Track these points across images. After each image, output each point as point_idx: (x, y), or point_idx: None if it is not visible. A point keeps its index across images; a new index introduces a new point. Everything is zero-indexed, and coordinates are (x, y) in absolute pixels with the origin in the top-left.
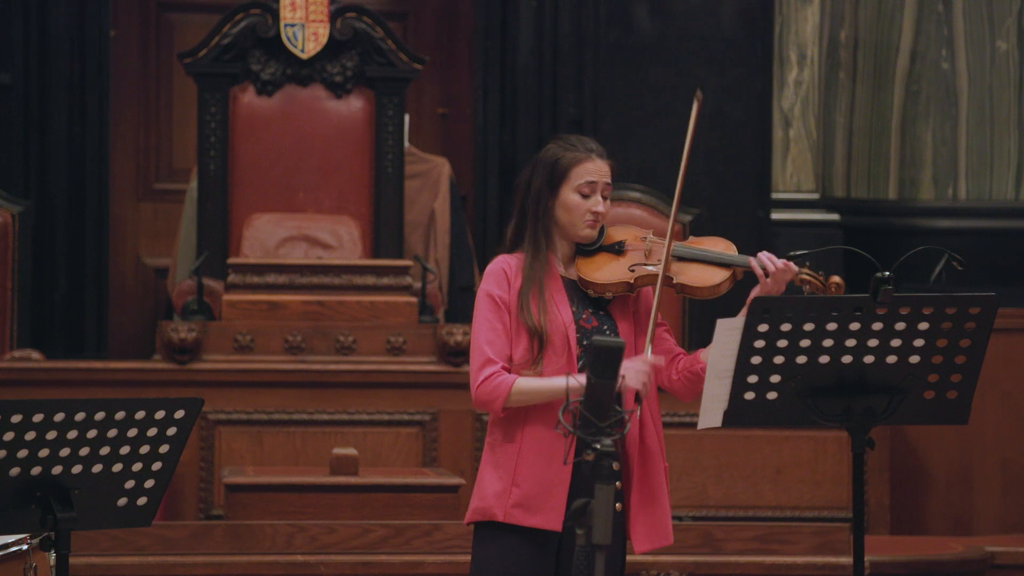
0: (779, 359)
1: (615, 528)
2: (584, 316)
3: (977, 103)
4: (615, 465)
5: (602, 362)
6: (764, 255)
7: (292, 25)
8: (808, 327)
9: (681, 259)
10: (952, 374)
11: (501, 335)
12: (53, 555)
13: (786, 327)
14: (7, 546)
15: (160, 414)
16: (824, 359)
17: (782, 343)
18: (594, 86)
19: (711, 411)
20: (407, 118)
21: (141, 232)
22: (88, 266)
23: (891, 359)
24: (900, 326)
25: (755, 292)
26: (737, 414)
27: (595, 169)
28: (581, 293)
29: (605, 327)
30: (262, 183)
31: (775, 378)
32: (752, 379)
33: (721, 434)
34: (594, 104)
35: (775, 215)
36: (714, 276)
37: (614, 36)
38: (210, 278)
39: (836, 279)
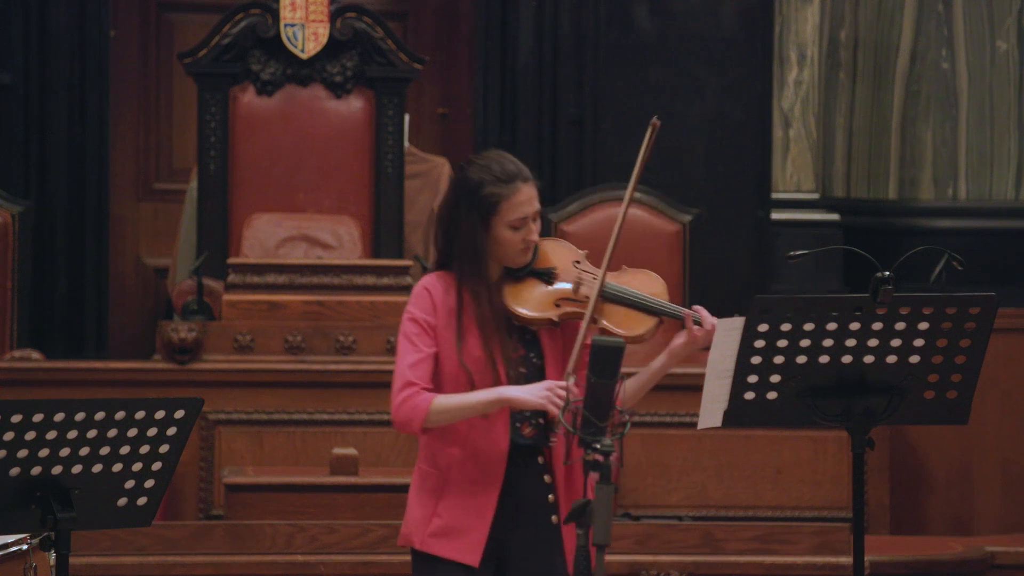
0: (779, 359)
1: (553, 541)
2: (511, 344)
3: (977, 103)
4: (546, 478)
5: (602, 362)
6: (699, 309)
7: (292, 25)
8: (808, 327)
9: (610, 300)
10: (952, 374)
11: (425, 359)
12: (53, 555)
13: (786, 327)
14: (7, 546)
15: (160, 414)
16: (824, 359)
17: (782, 343)
18: (594, 86)
19: (711, 411)
20: (407, 118)
21: (141, 232)
22: (88, 266)
23: (891, 359)
24: (900, 326)
25: (678, 341)
26: (737, 414)
27: (523, 200)
28: (507, 319)
29: (532, 354)
30: (262, 183)
31: (775, 378)
32: (752, 379)
33: (721, 434)
34: (594, 104)
35: (775, 215)
36: (639, 324)
37: (614, 36)
38: (210, 278)
39: None
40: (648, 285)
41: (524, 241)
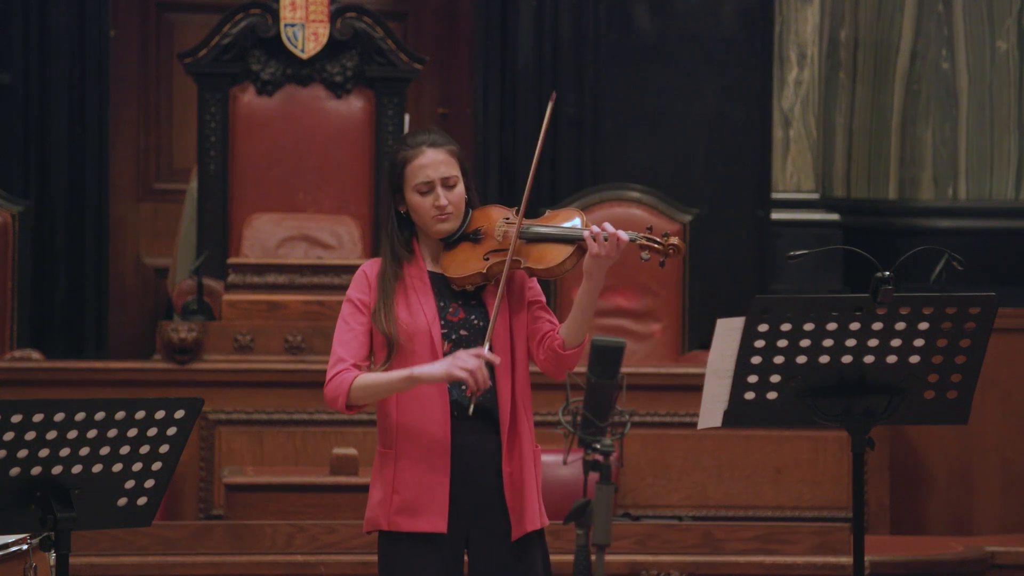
0: (779, 359)
1: (502, 524)
2: (451, 309)
3: (977, 103)
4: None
5: (602, 362)
6: (597, 226)
7: (292, 25)
8: (808, 327)
9: (529, 240)
10: (952, 374)
11: (357, 336)
12: (53, 555)
13: (786, 327)
14: (7, 546)
15: (160, 414)
16: (824, 359)
17: (782, 343)
18: (594, 86)
19: (711, 411)
20: (407, 118)
21: (141, 232)
22: (88, 266)
23: (891, 359)
24: (900, 326)
25: (586, 261)
26: (737, 414)
27: (427, 163)
28: (447, 285)
29: (473, 316)
30: (262, 183)
31: (775, 378)
32: (752, 379)
33: (721, 434)
34: (594, 104)
35: (775, 215)
36: (557, 254)
37: (614, 36)
38: (210, 278)
39: (674, 240)
40: (561, 216)
41: (435, 207)
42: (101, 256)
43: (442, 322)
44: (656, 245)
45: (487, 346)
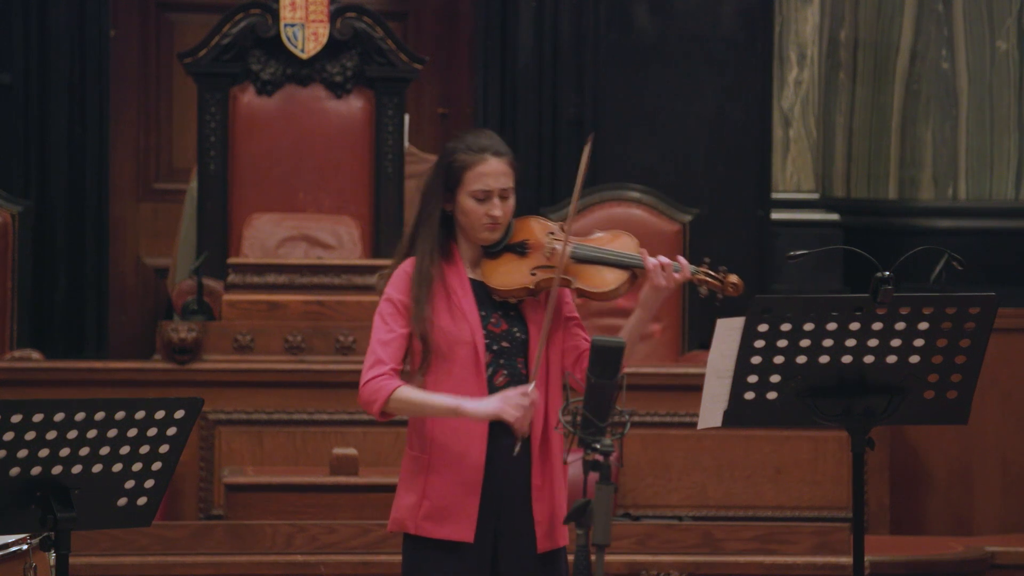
0: (779, 359)
1: (528, 536)
2: (493, 320)
3: (977, 103)
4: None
5: (602, 362)
6: (661, 257)
7: (292, 25)
8: (808, 327)
9: (580, 261)
10: (952, 374)
11: (397, 337)
12: (53, 555)
13: (786, 327)
14: (7, 546)
15: (160, 414)
16: (824, 359)
17: (782, 343)
18: (594, 86)
19: (711, 411)
20: (407, 118)
21: (141, 232)
22: (88, 266)
23: (891, 359)
24: (900, 326)
25: (644, 291)
26: (737, 414)
27: (488, 172)
28: (489, 295)
29: (515, 329)
30: (262, 183)
31: (775, 378)
32: (752, 379)
33: (721, 434)
34: (594, 104)
35: (775, 215)
36: (611, 280)
37: (614, 36)
38: (210, 278)
39: (734, 279)
40: (618, 242)
41: (488, 216)
42: (101, 256)
43: (484, 332)
44: (715, 281)
45: (531, 385)
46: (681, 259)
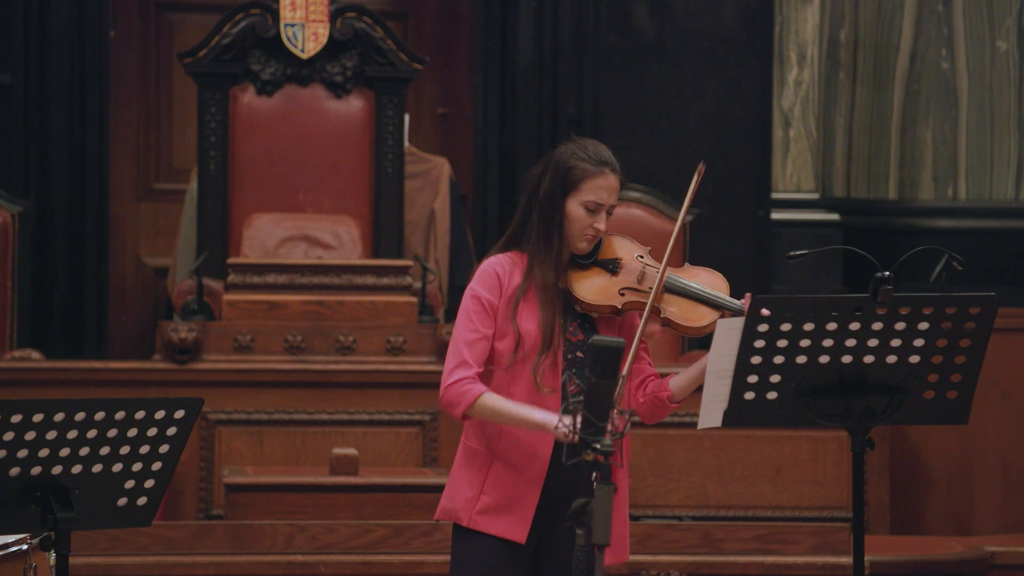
0: (779, 359)
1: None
2: (571, 328)
3: (977, 103)
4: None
5: (602, 362)
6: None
7: (292, 25)
8: (808, 327)
9: (672, 292)
10: (952, 374)
11: (483, 339)
12: (53, 555)
13: (786, 327)
14: (7, 546)
15: (160, 414)
16: (824, 359)
17: (782, 343)
18: (594, 86)
19: (711, 411)
20: (407, 118)
21: (141, 232)
22: (88, 266)
23: (891, 359)
24: (900, 326)
25: None
26: (737, 414)
27: (605, 186)
28: (570, 303)
29: (589, 340)
30: (262, 183)
31: (775, 378)
32: (752, 379)
33: (721, 434)
34: (594, 104)
35: (775, 215)
36: (703, 316)
37: (614, 36)
38: (210, 278)
39: None
40: (710, 280)
41: (592, 227)
42: (101, 256)
43: (563, 340)
44: None
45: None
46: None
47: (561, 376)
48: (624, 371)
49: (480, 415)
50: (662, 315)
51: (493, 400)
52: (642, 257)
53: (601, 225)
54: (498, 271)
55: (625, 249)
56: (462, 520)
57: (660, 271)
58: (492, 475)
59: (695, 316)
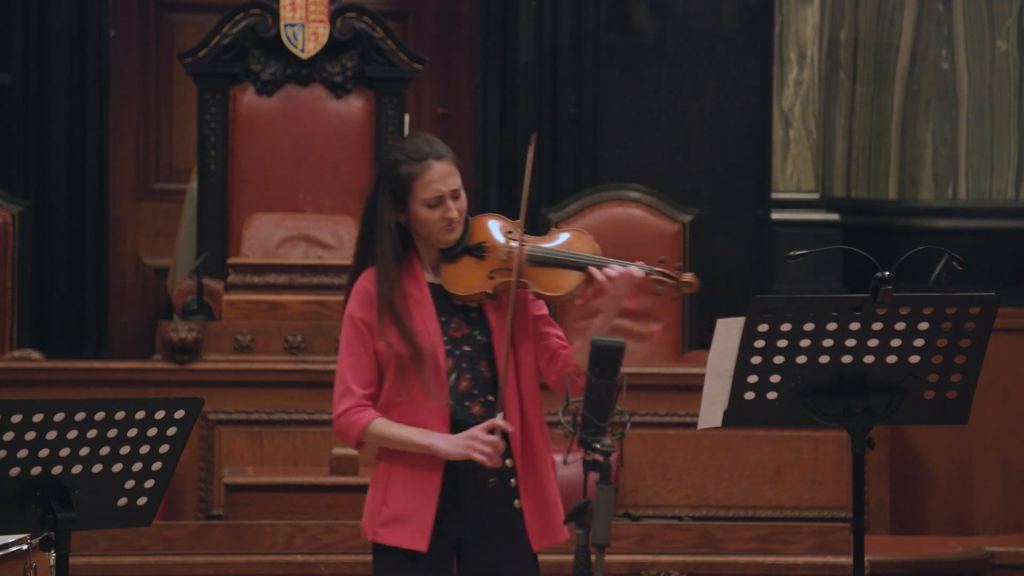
0: (779, 359)
1: (518, 529)
2: (453, 324)
3: (977, 103)
4: (508, 462)
5: (602, 362)
6: (609, 268)
7: (292, 25)
8: (808, 327)
9: (536, 263)
10: (952, 374)
11: (363, 360)
12: (53, 555)
13: (786, 327)
14: (7, 546)
15: (160, 414)
16: (824, 359)
17: (782, 343)
18: (594, 86)
19: (711, 411)
20: (407, 118)
21: (141, 232)
22: (88, 266)
23: (891, 359)
24: (900, 326)
25: (602, 299)
26: (737, 414)
27: (436, 177)
28: (448, 299)
29: (476, 332)
30: (262, 183)
31: (775, 378)
32: (752, 379)
33: (721, 434)
34: (594, 104)
35: (775, 215)
36: (566, 282)
37: (614, 36)
38: (210, 278)
39: (688, 277)
40: (574, 243)
41: (444, 219)
42: (101, 256)
43: (445, 338)
44: (670, 281)
45: (500, 414)
46: (633, 268)
47: (448, 378)
48: (504, 354)
49: (372, 442)
50: (530, 289)
51: (381, 427)
52: (511, 233)
53: (452, 213)
54: (368, 287)
55: (492, 230)
56: (368, 534)
57: (519, 246)
58: (391, 487)
59: (559, 283)
